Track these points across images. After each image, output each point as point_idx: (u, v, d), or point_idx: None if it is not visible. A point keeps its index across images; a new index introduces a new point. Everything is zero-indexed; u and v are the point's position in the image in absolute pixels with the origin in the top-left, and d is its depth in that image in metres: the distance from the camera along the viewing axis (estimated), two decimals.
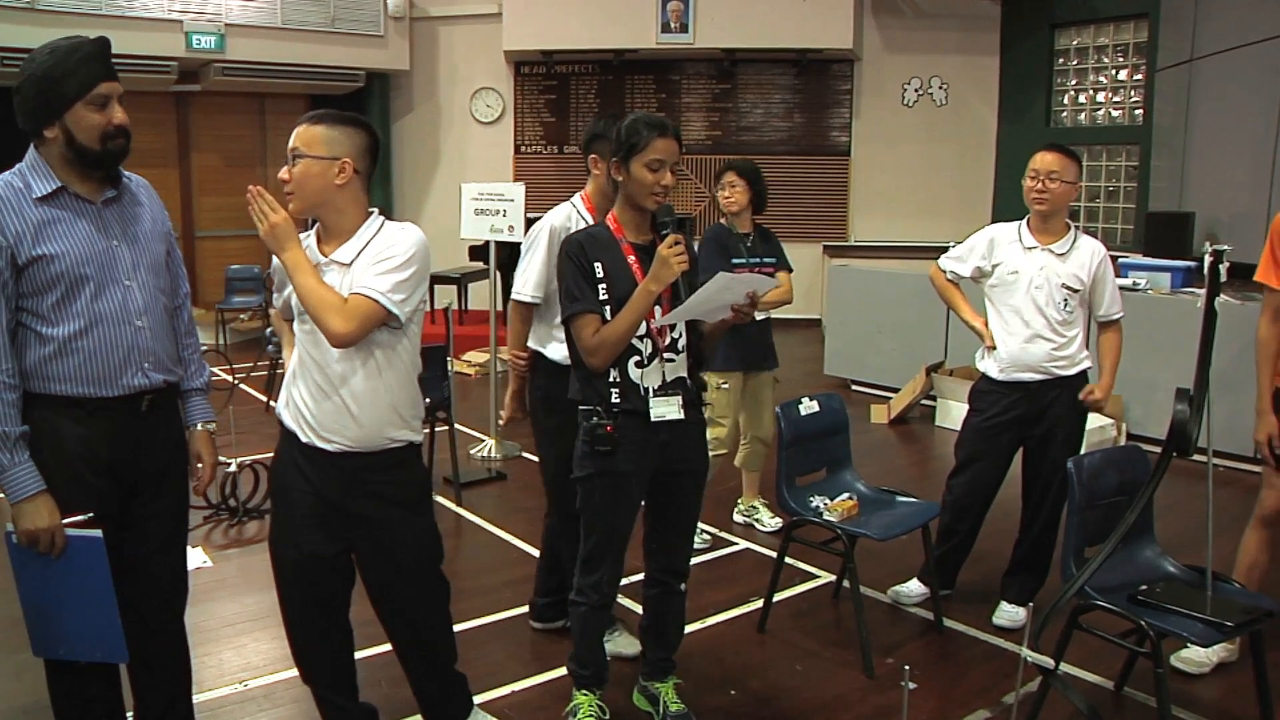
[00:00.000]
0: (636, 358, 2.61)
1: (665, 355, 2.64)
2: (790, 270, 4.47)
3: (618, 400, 2.59)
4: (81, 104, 2.13)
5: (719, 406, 4.28)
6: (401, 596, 2.50)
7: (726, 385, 4.31)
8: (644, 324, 2.58)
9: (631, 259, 2.62)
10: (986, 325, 3.55)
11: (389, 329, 2.29)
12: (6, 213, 2.12)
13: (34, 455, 2.14)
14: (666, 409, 2.61)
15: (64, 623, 2.22)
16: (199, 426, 2.49)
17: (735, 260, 4.23)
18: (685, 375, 2.69)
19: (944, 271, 3.71)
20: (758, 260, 4.30)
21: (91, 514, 2.19)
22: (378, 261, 2.24)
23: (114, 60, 2.22)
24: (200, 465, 2.50)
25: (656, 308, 2.59)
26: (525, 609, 3.65)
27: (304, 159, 2.27)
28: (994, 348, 3.49)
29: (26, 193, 2.15)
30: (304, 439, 2.33)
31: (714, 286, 2.51)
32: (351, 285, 2.25)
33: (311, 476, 2.34)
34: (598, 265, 2.58)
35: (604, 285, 2.57)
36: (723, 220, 4.39)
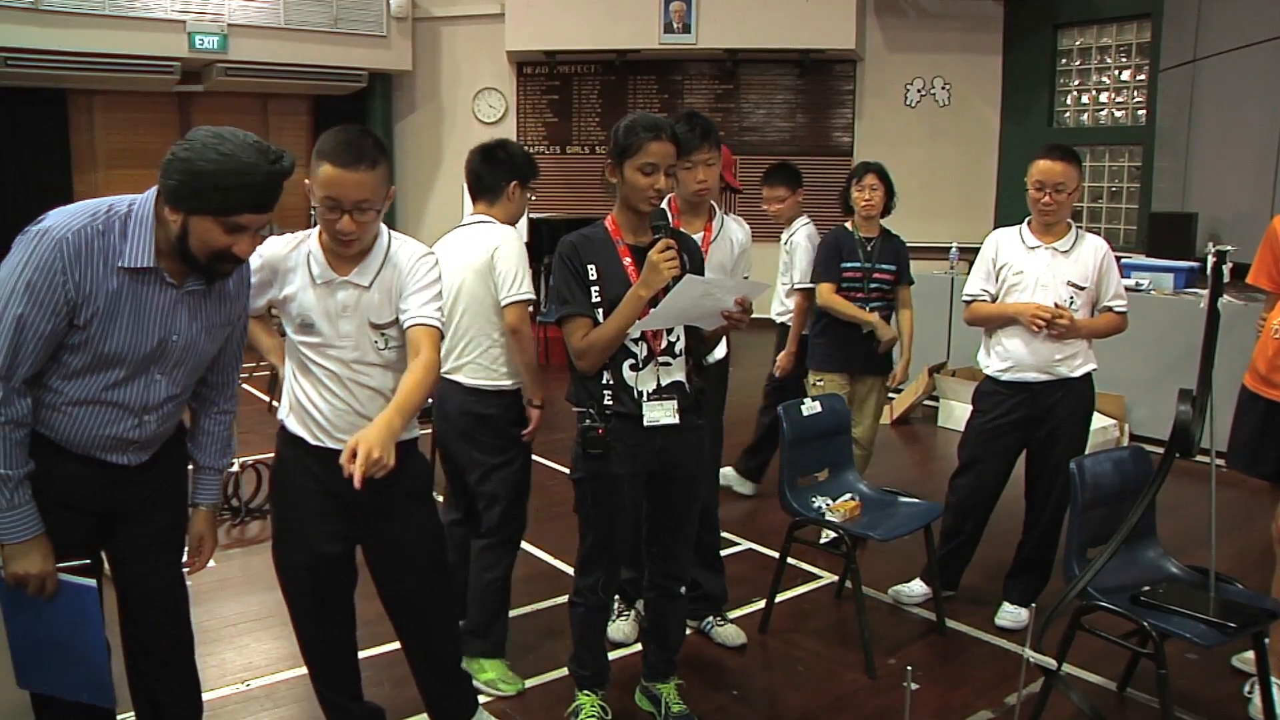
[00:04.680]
0: (631, 361, 2.60)
1: (660, 359, 2.62)
2: (910, 283, 4.36)
3: (610, 403, 2.58)
4: (214, 219, 1.91)
5: None
6: (411, 588, 2.51)
7: (822, 383, 4.27)
8: (638, 328, 2.57)
9: (627, 261, 2.60)
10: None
11: (389, 345, 2.34)
12: (89, 268, 1.91)
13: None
14: (660, 413, 2.60)
15: (52, 662, 2.12)
16: (203, 507, 2.33)
17: (849, 264, 4.21)
18: (683, 380, 2.67)
19: (974, 298, 3.57)
20: (871, 265, 4.22)
21: (88, 561, 2.07)
22: (419, 290, 2.29)
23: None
24: (201, 547, 2.34)
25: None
26: (526, 609, 3.66)
27: (374, 209, 2.22)
28: (1049, 319, 3.32)
29: (115, 254, 1.94)
30: (314, 441, 2.34)
31: (684, 290, 2.47)
32: (367, 307, 2.29)
33: (322, 477, 2.34)
34: (590, 268, 2.57)
35: (597, 288, 2.56)
36: (847, 223, 4.34)
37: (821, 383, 4.29)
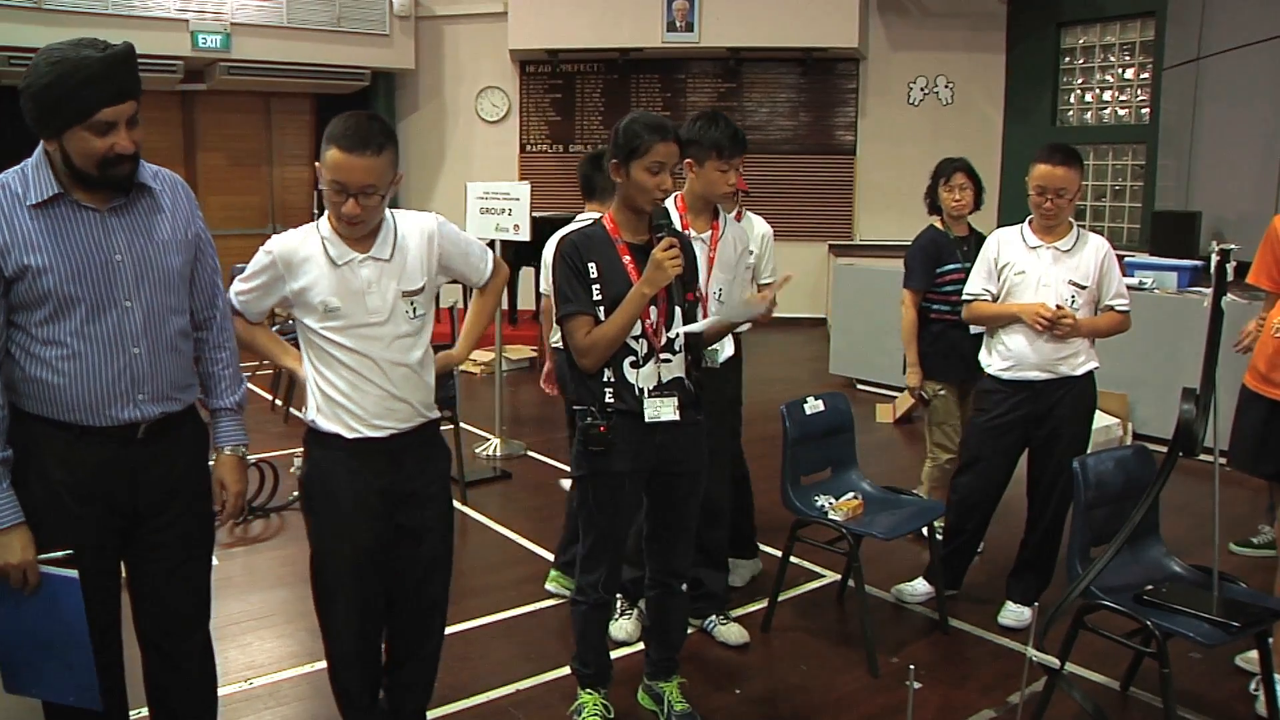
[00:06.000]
0: (632, 358, 2.60)
1: (661, 356, 2.63)
2: None
3: (612, 400, 2.59)
4: (80, 128, 1.92)
5: (938, 414, 4.19)
6: (425, 572, 2.51)
7: (943, 392, 4.16)
8: (639, 324, 2.58)
9: (627, 259, 2.62)
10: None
11: (418, 313, 2.39)
12: None
13: (16, 476, 2.00)
14: (662, 410, 2.60)
15: (36, 661, 2.07)
16: (226, 450, 2.28)
17: (949, 267, 4.11)
18: (682, 376, 2.68)
19: (975, 297, 3.57)
20: (970, 266, 3.98)
21: (70, 551, 2.01)
22: (468, 248, 2.54)
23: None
24: (224, 494, 2.29)
25: (656, 310, 2.60)
26: (528, 608, 3.66)
27: (379, 194, 2.26)
28: (1052, 320, 3.31)
29: (22, 197, 1.97)
30: (350, 435, 2.34)
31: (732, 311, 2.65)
32: (393, 278, 2.34)
33: (362, 470, 2.36)
34: (592, 266, 2.58)
35: (598, 285, 2.57)
36: (937, 223, 4.24)
37: (943, 391, 4.17)
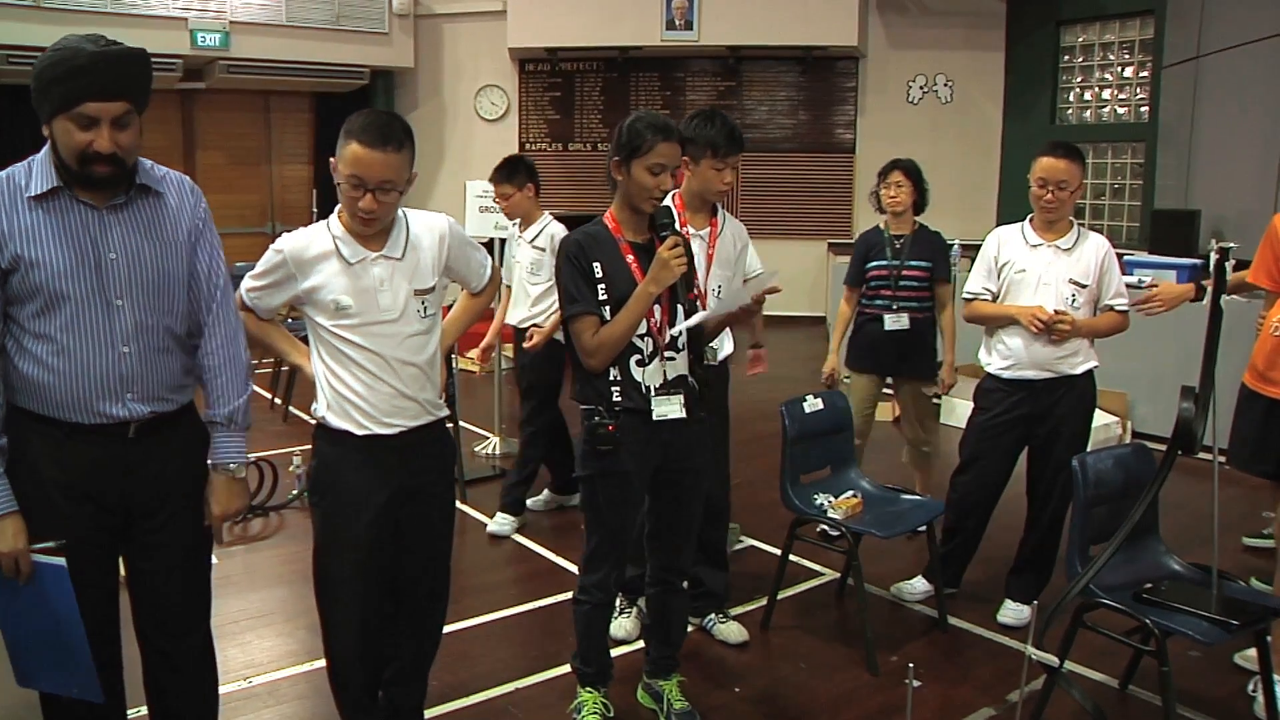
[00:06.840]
0: (637, 356, 2.61)
1: (666, 354, 2.64)
2: (948, 281, 4.31)
3: (619, 399, 2.59)
4: (64, 117, 1.93)
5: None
6: (426, 566, 2.51)
7: (848, 380, 4.32)
8: (644, 322, 2.59)
9: (630, 258, 2.62)
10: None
11: (429, 312, 2.40)
12: None
13: (8, 472, 2.00)
14: (669, 408, 2.61)
15: (37, 653, 2.08)
16: (215, 471, 2.19)
17: (876, 263, 4.22)
18: (686, 373, 2.69)
19: (975, 296, 3.56)
20: (899, 263, 4.18)
21: (63, 540, 2.01)
22: (473, 252, 2.57)
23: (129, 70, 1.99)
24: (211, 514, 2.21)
25: (660, 309, 2.61)
26: (527, 606, 3.66)
27: (397, 190, 2.28)
28: (1048, 323, 3.33)
29: (24, 189, 1.98)
30: (361, 433, 2.34)
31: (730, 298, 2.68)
32: (405, 276, 2.36)
33: (371, 467, 2.36)
34: (596, 265, 2.58)
35: (603, 285, 2.57)
36: (881, 223, 4.34)
37: (848, 380, 4.33)
